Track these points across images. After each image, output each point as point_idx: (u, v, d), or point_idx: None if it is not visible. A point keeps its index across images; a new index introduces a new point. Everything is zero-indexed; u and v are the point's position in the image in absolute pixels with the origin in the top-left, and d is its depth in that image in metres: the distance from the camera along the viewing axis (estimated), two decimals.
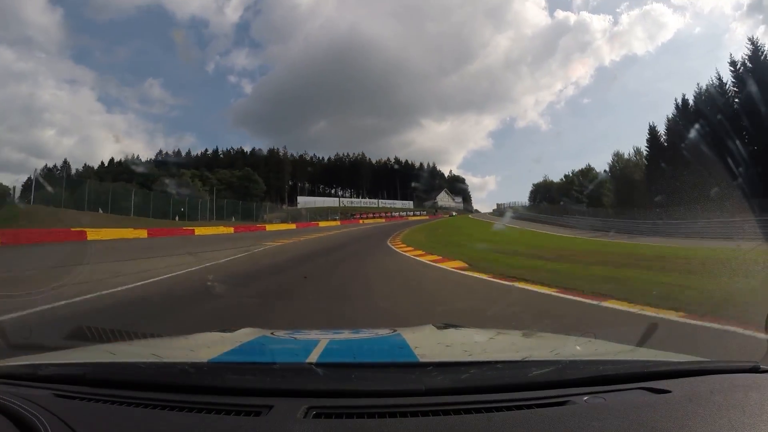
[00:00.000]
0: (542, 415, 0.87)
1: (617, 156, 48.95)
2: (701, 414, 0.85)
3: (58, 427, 0.84)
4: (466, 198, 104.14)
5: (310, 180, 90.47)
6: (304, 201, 75.97)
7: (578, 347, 1.55)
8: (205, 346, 1.73)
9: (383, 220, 63.63)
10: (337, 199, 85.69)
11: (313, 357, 1.31)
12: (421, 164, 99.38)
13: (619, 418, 0.83)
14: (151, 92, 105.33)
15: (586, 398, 0.94)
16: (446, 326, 2.04)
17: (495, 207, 71.82)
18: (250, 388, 1.03)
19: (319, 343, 1.53)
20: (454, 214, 77.54)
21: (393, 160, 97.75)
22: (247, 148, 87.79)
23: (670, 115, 37.39)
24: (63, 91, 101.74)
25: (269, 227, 38.83)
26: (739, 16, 79.27)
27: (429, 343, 1.76)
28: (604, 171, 51.75)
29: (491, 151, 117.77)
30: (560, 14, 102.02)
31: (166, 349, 1.78)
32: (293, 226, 42.82)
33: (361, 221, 59.53)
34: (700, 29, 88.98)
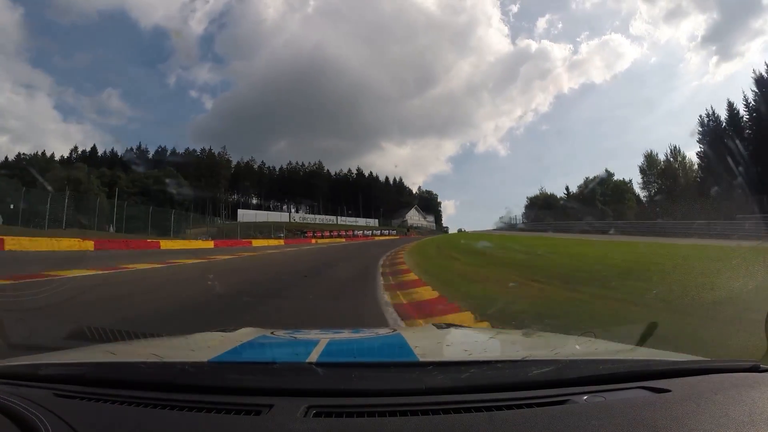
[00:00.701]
0: (542, 414, 0.87)
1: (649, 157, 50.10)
2: (701, 413, 0.85)
3: (59, 427, 0.84)
4: (438, 217, 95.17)
5: (259, 192, 76.84)
6: (244, 214, 63.72)
7: (578, 346, 1.55)
8: (206, 346, 1.73)
9: (343, 240, 54.29)
10: (287, 213, 73.05)
11: (314, 356, 1.31)
12: (387, 178, 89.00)
13: (618, 418, 0.83)
14: (109, 102, 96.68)
15: (585, 397, 0.94)
16: (446, 326, 2.05)
17: (461, 228, 68.65)
18: (251, 387, 1.03)
19: (319, 343, 1.53)
20: (459, 230, 71.37)
21: (355, 172, 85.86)
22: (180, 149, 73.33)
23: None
24: (19, 96, 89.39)
25: (170, 244, 26.91)
26: (694, 47, 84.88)
27: (429, 343, 1.76)
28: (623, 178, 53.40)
29: (450, 176, 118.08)
30: (522, 42, 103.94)
31: (166, 348, 1.78)
32: (210, 244, 31.25)
33: (314, 240, 48.42)
34: (656, 59, 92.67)
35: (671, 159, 50.74)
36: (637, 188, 54.26)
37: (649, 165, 52.64)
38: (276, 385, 1.04)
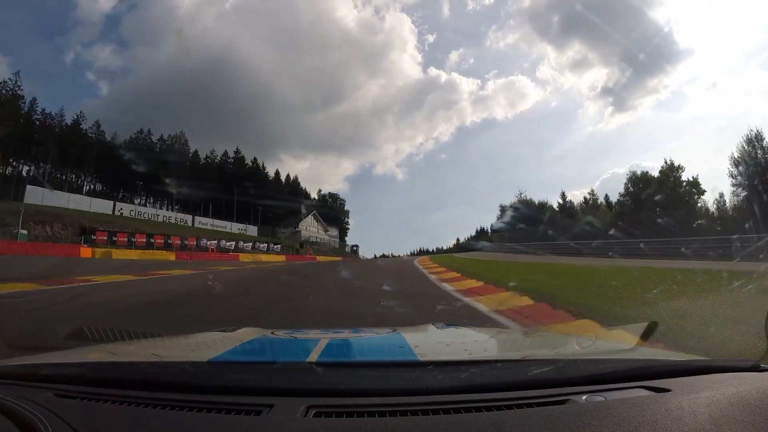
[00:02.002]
0: (542, 413, 0.87)
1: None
2: (701, 413, 0.85)
3: (59, 427, 0.84)
4: (343, 231, 73.24)
5: (88, 169, 49.77)
6: (33, 193, 35.82)
7: (578, 346, 1.55)
8: (206, 346, 1.73)
9: (172, 257, 27.24)
10: (114, 203, 45.45)
11: (314, 356, 1.31)
12: (278, 173, 66.35)
13: (618, 417, 0.83)
14: None
15: (585, 397, 0.94)
16: (446, 325, 2.05)
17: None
18: (251, 387, 1.03)
19: (319, 343, 1.53)
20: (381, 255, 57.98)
21: (232, 156, 61.34)
22: None
23: None
24: None
25: None
26: (593, 96, 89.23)
27: (429, 343, 1.76)
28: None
29: (346, 195, 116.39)
30: (433, 71, 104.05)
31: (167, 348, 1.78)
32: None
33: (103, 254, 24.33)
34: (556, 104, 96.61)
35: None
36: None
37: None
38: (276, 384, 1.04)
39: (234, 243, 40.12)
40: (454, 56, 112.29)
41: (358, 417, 0.87)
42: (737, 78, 75.61)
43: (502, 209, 57.09)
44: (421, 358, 1.33)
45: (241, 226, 55.08)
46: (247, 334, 1.90)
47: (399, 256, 74.68)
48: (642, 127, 77.89)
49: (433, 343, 1.77)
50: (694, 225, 32.39)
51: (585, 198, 55.19)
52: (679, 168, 38.67)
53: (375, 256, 70.38)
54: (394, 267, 22.54)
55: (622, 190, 43.49)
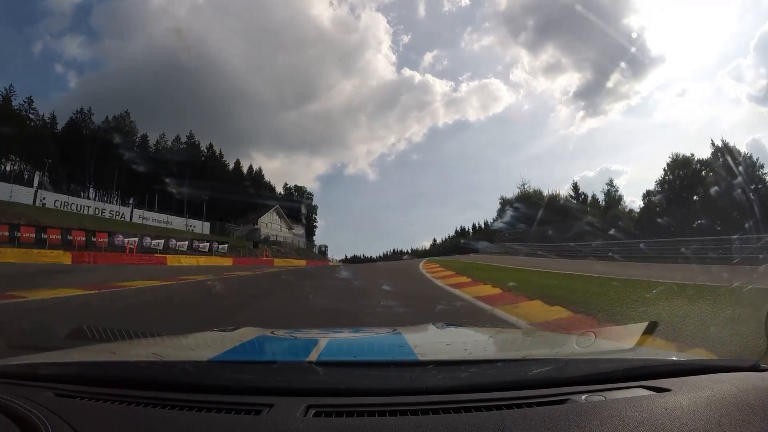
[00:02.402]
0: (542, 413, 0.87)
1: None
2: (701, 413, 0.85)
3: (60, 427, 0.84)
4: (310, 229, 64.36)
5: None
6: None
7: (578, 346, 1.55)
8: (206, 345, 1.73)
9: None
10: (33, 190, 34.26)
11: (313, 356, 1.31)
12: (239, 162, 57.11)
13: (618, 417, 0.83)
14: None
15: (585, 397, 0.94)
16: (446, 325, 2.05)
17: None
18: (251, 386, 1.03)
19: (319, 342, 1.53)
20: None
21: (185, 140, 51.16)
22: None
23: None
24: None
25: None
26: (565, 100, 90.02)
27: (429, 342, 1.76)
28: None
29: (317, 195, 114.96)
30: (407, 72, 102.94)
31: (167, 348, 1.78)
32: None
33: None
34: (528, 107, 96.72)
35: None
36: None
37: None
38: (276, 384, 1.04)
39: (163, 241, 30.10)
40: (428, 57, 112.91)
41: (358, 417, 0.87)
42: (706, 85, 77.35)
43: (502, 206, 52.65)
44: (421, 358, 1.33)
45: (193, 222, 44.29)
46: (247, 333, 1.90)
47: (371, 258, 70.27)
48: (612, 132, 78.46)
49: (433, 342, 1.77)
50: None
51: (571, 195, 49.72)
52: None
53: (345, 258, 67.59)
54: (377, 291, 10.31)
55: (604, 190, 40.77)
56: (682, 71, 71.16)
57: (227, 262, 30.75)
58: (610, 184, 45.63)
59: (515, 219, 46.21)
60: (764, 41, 55.20)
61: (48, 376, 1.14)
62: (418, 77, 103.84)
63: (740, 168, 28.61)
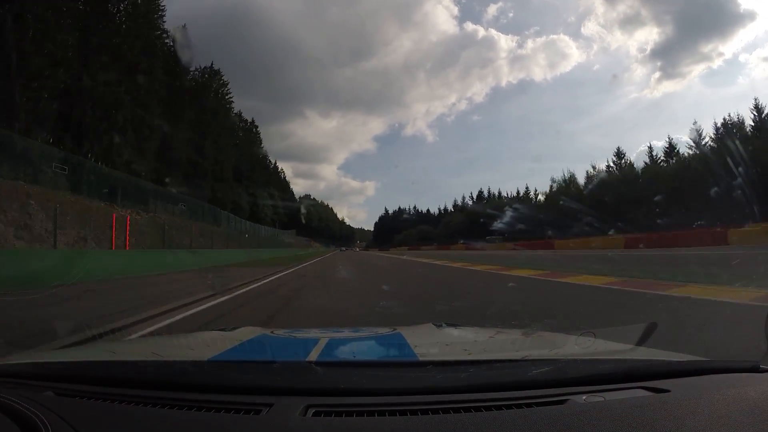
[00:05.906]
0: (541, 413, 0.87)
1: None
2: (700, 413, 0.85)
3: (60, 426, 0.84)
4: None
5: None
6: None
7: (577, 346, 1.55)
8: (205, 345, 1.73)
9: None
10: None
11: (313, 355, 1.31)
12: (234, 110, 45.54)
13: (618, 417, 0.83)
14: None
15: (585, 397, 0.94)
16: (446, 325, 2.05)
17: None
18: (250, 386, 1.03)
19: (319, 342, 1.53)
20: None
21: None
22: None
23: None
24: None
25: None
26: (642, 59, 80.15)
27: (429, 342, 1.76)
28: None
29: (374, 156, 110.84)
30: (469, 26, 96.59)
31: (167, 347, 1.78)
32: None
33: None
34: (599, 66, 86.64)
35: None
36: None
37: None
38: (275, 384, 1.04)
39: None
40: (492, 9, 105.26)
41: (358, 416, 0.87)
42: None
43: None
44: (420, 358, 1.33)
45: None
46: (246, 333, 1.90)
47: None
48: (688, 98, 66.74)
49: (432, 342, 1.77)
50: None
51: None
52: None
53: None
54: None
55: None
56: None
57: None
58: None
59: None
60: None
61: (48, 375, 1.15)
62: (481, 32, 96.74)
63: None
